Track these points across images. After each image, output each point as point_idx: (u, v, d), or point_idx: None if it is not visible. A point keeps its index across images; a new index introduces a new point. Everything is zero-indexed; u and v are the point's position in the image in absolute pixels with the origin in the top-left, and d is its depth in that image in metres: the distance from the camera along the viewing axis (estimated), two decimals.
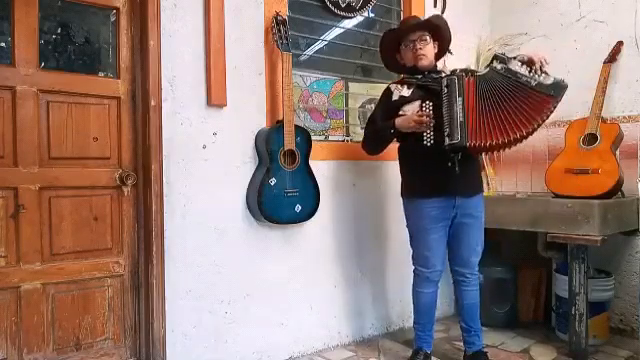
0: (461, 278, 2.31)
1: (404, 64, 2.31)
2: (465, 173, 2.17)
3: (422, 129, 2.11)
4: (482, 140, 2.03)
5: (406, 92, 2.22)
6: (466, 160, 2.14)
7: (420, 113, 2.11)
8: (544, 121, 1.99)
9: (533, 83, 1.98)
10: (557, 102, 1.98)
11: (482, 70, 2.15)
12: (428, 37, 2.24)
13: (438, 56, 2.36)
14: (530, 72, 2.00)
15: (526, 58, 2.03)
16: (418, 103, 2.15)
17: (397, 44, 2.30)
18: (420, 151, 2.15)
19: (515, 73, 2.01)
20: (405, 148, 2.31)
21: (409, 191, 2.31)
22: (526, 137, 2.02)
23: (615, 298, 2.76)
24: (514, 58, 2.05)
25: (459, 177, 2.14)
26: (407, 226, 2.34)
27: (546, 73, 1.99)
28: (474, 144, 2.03)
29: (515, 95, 2.01)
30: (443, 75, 2.17)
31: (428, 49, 2.23)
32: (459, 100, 2.06)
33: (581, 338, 2.41)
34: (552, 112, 1.99)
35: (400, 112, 2.20)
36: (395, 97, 2.25)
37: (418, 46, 2.21)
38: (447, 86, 2.09)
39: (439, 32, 2.28)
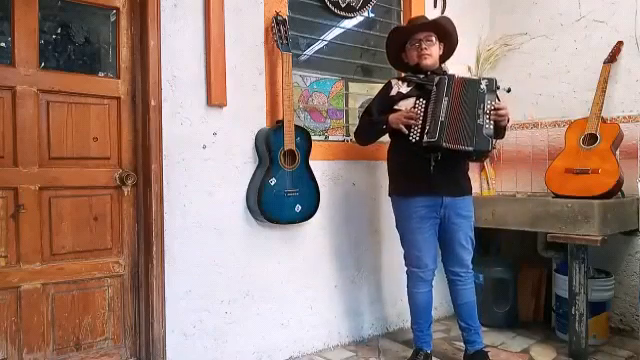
0: (456, 278, 2.31)
1: (408, 63, 2.32)
2: (450, 173, 2.19)
3: (409, 126, 2.13)
4: (455, 144, 2.05)
5: (404, 89, 2.26)
6: (451, 160, 2.15)
7: (410, 110, 2.14)
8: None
9: (478, 121, 2.04)
10: (465, 155, 2.10)
11: (470, 76, 2.16)
12: (434, 38, 2.25)
13: (443, 58, 2.37)
14: (488, 114, 2.05)
15: (500, 105, 2.10)
16: (412, 100, 2.18)
17: (403, 43, 2.31)
18: (406, 148, 2.16)
19: (482, 104, 2.06)
20: (394, 145, 2.34)
21: (396, 189, 2.33)
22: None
23: (615, 298, 2.76)
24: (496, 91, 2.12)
25: (443, 177, 2.16)
26: (396, 227, 2.36)
27: (491, 124, 2.05)
28: (449, 146, 2.05)
29: (468, 117, 2.07)
30: (444, 76, 2.19)
31: (433, 49, 2.25)
32: (445, 100, 2.09)
33: (581, 338, 2.41)
34: (456, 152, 2.07)
35: (395, 107, 2.23)
36: (393, 92, 2.28)
37: (423, 46, 2.23)
38: (436, 85, 2.13)
39: (446, 34, 2.28)
